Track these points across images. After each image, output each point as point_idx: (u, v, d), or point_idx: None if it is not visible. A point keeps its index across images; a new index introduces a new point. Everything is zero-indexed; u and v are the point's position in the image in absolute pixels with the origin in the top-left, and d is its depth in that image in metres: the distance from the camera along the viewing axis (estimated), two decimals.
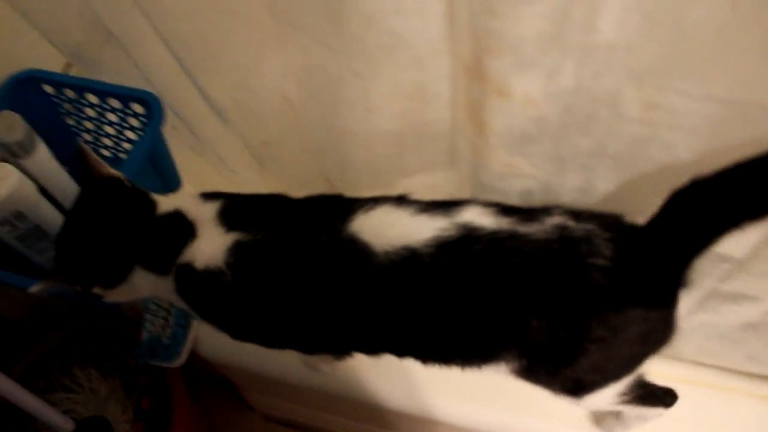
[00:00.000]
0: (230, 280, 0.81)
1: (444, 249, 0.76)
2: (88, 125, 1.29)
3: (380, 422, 1.39)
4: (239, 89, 0.98)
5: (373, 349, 0.91)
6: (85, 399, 1.35)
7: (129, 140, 1.27)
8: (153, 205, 0.89)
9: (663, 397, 0.99)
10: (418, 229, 0.78)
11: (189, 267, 0.83)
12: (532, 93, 0.76)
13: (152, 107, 1.12)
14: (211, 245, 0.83)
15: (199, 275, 0.83)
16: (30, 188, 1.04)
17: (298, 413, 1.56)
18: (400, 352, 0.89)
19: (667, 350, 0.82)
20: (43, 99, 1.25)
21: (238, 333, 0.93)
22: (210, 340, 1.25)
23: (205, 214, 0.86)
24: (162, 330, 1.18)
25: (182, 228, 0.85)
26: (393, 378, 1.21)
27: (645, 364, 0.85)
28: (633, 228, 0.79)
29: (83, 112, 1.26)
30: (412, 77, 0.83)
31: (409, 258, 0.76)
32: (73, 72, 1.38)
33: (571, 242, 0.77)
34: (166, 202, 0.89)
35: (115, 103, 1.19)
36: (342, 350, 0.98)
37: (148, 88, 1.13)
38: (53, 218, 1.08)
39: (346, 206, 0.83)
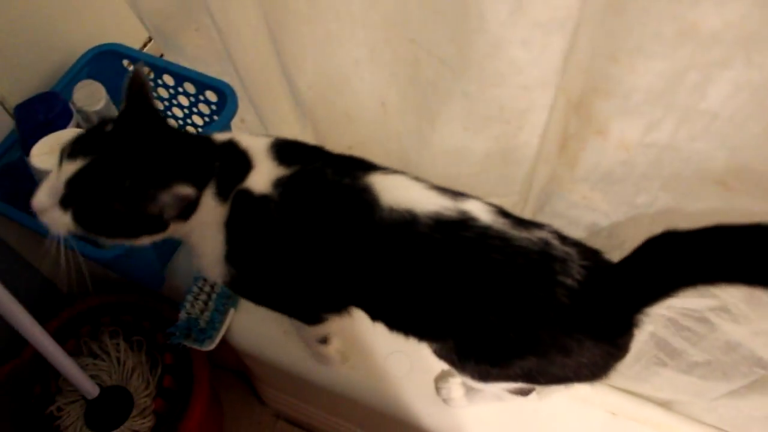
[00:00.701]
0: (274, 210, 0.85)
1: (441, 225, 0.82)
2: (158, 104, 1.32)
3: (371, 425, 1.42)
4: (337, 91, 1.02)
5: (356, 299, 0.95)
6: (110, 368, 1.38)
7: (194, 125, 1.31)
8: (208, 137, 0.92)
9: (526, 391, 1.10)
10: (425, 201, 0.84)
11: (246, 193, 0.85)
12: (628, 138, 0.81)
13: (227, 98, 1.15)
14: (262, 175, 0.87)
15: (253, 202, 0.85)
16: None
17: (310, 414, 1.57)
18: (375, 308, 0.94)
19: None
20: (121, 73, 1.29)
21: (265, 276, 0.93)
22: (241, 328, 1.28)
23: (256, 147, 0.90)
24: (200, 313, 1.20)
25: (240, 157, 0.88)
26: (420, 392, 1.23)
27: (561, 385, 0.93)
28: (606, 264, 0.84)
29: (156, 92, 1.29)
30: (516, 104, 0.88)
31: (409, 222, 0.82)
32: (151, 51, 1.43)
33: (549, 257, 0.82)
34: (218, 136, 0.92)
35: (189, 88, 1.23)
36: (339, 299, 0.98)
37: (232, 81, 1.16)
38: None
39: (372, 165, 0.89)
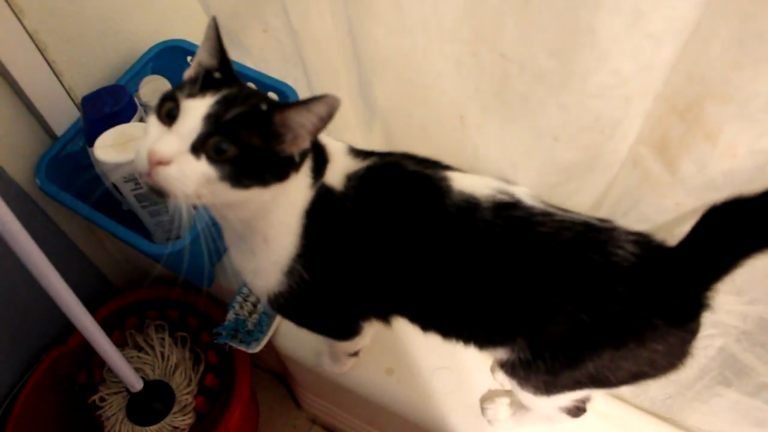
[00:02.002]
0: (351, 203, 0.84)
1: (498, 208, 0.82)
2: None
3: None
4: (415, 103, 1.02)
5: (415, 301, 0.92)
6: (154, 362, 1.38)
7: None
8: None
9: (579, 410, 1.07)
10: (484, 185, 0.85)
11: (328, 186, 0.84)
12: (737, 145, 0.80)
13: (289, 101, 1.15)
14: (339, 169, 0.86)
15: (334, 194, 0.84)
16: None
17: (346, 422, 1.56)
18: (435, 310, 0.91)
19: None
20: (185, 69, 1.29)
21: (330, 277, 0.89)
22: (287, 332, 1.28)
23: (332, 144, 0.88)
24: (248, 315, 1.20)
25: (320, 148, 0.86)
26: (464, 411, 1.20)
27: (634, 384, 0.91)
28: (657, 242, 0.82)
29: None
30: (613, 114, 0.88)
31: (473, 206, 0.82)
32: None
33: (594, 229, 0.82)
34: None
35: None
36: (395, 302, 0.95)
37: (296, 84, 1.16)
38: None
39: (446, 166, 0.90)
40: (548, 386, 0.93)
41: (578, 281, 0.80)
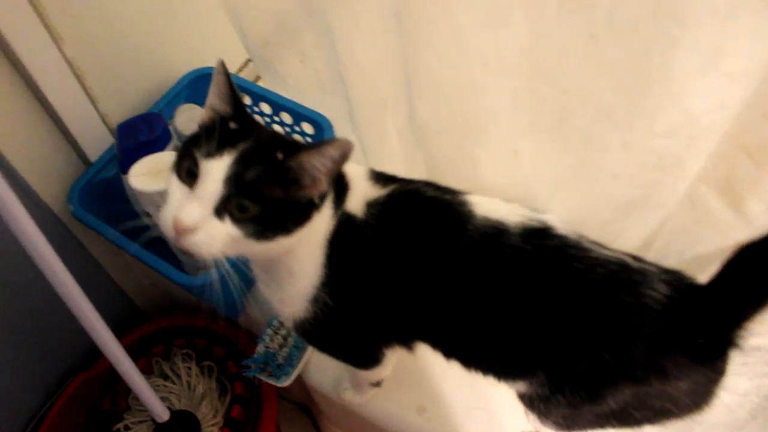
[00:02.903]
0: (371, 230, 0.84)
1: (527, 235, 0.81)
2: None
3: None
4: (467, 136, 1.01)
5: (436, 327, 0.91)
6: (180, 391, 1.36)
7: None
8: None
9: None
10: (511, 212, 0.84)
11: (349, 214, 0.84)
12: None
13: (324, 131, 1.14)
14: (359, 196, 0.85)
15: (355, 222, 0.83)
16: None
17: None
18: (456, 338, 0.90)
19: None
20: None
21: (352, 304, 0.89)
22: (316, 366, 1.26)
23: (353, 170, 0.88)
24: (279, 348, 1.18)
25: (341, 175, 0.85)
26: None
27: (657, 424, 0.87)
28: (691, 281, 0.81)
29: None
30: (678, 153, 0.87)
31: (500, 232, 0.81)
32: (247, 74, 1.43)
33: (628, 269, 0.80)
34: None
35: (286, 118, 1.22)
36: (415, 327, 0.94)
37: (333, 113, 1.15)
38: None
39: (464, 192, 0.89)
40: (569, 422, 0.91)
41: (606, 321, 0.79)
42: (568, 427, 0.92)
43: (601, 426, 0.91)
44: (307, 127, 1.19)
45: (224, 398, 1.37)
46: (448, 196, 0.87)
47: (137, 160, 1.07)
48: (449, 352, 0.92)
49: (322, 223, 0.81)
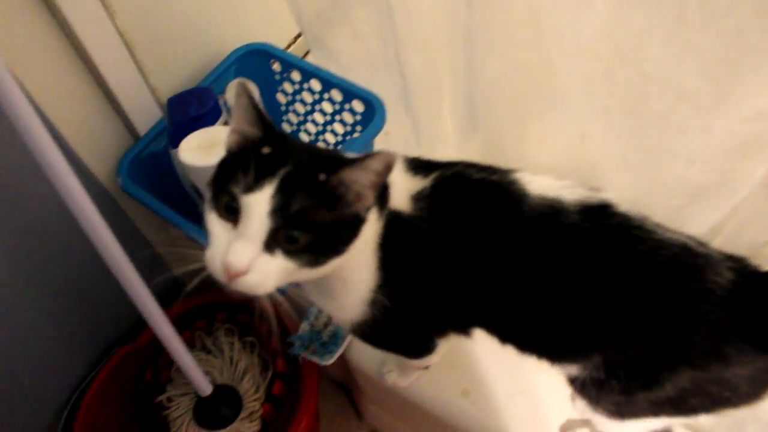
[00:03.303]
0: (421, 221, 0.81)
1: (587, 212, 0.78)
2: (299, 108, 1.31)
3: None
4: (535, 117, 0.99)
5: (493, 313, 0.89)
6: (222, 366, 1.37)
7: (334, 132, 1.28)
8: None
9: None
10: (569, 190, 0.81)
11: (395, 212, 0.81)
12: None
13: (375, 110, 1.12)
14: (401, 189, 0.83)
15: (403, 218, 0.81)
16: None
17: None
18: (513, 322, 0.88)
19: None
20: (267, 74, 1.28)
21: (413, 296, 0.86)
22: (359, 345, 1.25)
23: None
24: (323, 327, 1.18)
25: None
26: (529, 431, 1.16)
27: (714, 413, 0.84)
28: (756, 268, 0.79)
29: (300, 95, 1.28)
30: (762, 137, 0.84)
31: (558, 211, 0.79)
32: (296, 49, 1.41)
33: (691, 253, 0.77)
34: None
35: (336, 96, 1.20)
36: (474, 314, 0.92)
37: (385, 91, 1.13)
38: None
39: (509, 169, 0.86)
40: (621, 408, 0.89)
41: (668, 305, 0.77)
42: (620, 414, 0.90)
43: (655, 413, 0.89)
44: (358, 105, 1.17)
45: (266, 374, 1.38)
46: (495, 177, 0.84)
47: (187, 135, 1.06)
48: (506, 337, 0.91)
49: (369, 229, 0.78)
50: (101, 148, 1.18)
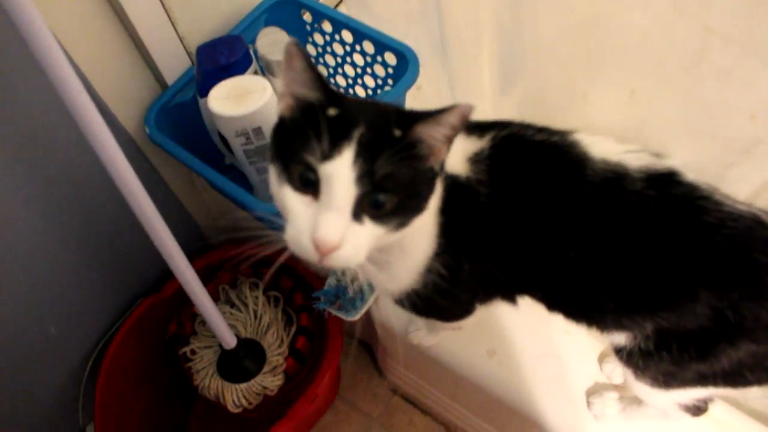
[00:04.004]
0: (484, 190, 0.79)
1: (652, 179, 0.76)
2: (330, 60, 1.28)
3: (510, 430, 1.35)
4: (583, 73, 0.96)
5: (546, 277, 0.86)
6: (246, 320, 1.37)
7: (365, 85, 1.26)
8: None
9: (699, 409, 0.99)
10: (633, 155, 0.78)
11: (452, 176, 0.78)
12: None
13: (408, 63, 1.09)
14: (459, 152, 0.80)
15: (461, 183, 0.79)
16: (276, 108, 1.04)
17: (430, 395, 1.53)
18: (565, 287, 0.85)
19: None
20: (298, 24, 1.25)
21: (469, 264, 0.83)
22: (385, 301, 1.24)
23: None
24: (350, 282, 1.17)
25: None
26: (564, 400, 1.16)
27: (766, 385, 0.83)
28: None
29: (330, 46, 1.25)
30: None
31: (621, 176, 0.76)
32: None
33: (762, 226, 0.75)
34: None
35: (368, 47, 1.17)
36: (524, 281, 0.90)
37: (420, 44, 1.10)
38: None
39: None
40: (668, 379, 0.87)
41: (734, 279, 0.74)
42: (666, 384, 0.88)
43: (703, 385, 0.87)
44: (390, 58, 1.14)
45: (289, 329, 1.37)
46: (555, 138, 0.81)
47: (216, 84, 1.04)
48: (557, 304, 0.88)
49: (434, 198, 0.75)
50: (129, 98, 1.16)
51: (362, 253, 0.63)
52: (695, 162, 0.78)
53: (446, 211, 0.77)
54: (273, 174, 0.67)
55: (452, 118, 0.63)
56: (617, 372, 1.15)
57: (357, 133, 0.62)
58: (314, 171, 0.62)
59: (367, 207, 0.62)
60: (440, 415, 1.62)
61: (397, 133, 0.64)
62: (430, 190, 0.69)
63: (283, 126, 0.69)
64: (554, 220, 0.78)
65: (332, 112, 0.65)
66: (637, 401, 1.05)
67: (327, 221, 0.60)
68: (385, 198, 0.62)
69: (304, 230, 0.62)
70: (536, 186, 0.79)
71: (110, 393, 1.32)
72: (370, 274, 0.85)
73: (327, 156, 0.61)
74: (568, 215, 0.78)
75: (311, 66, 0.65)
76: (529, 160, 0.81)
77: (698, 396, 0.94)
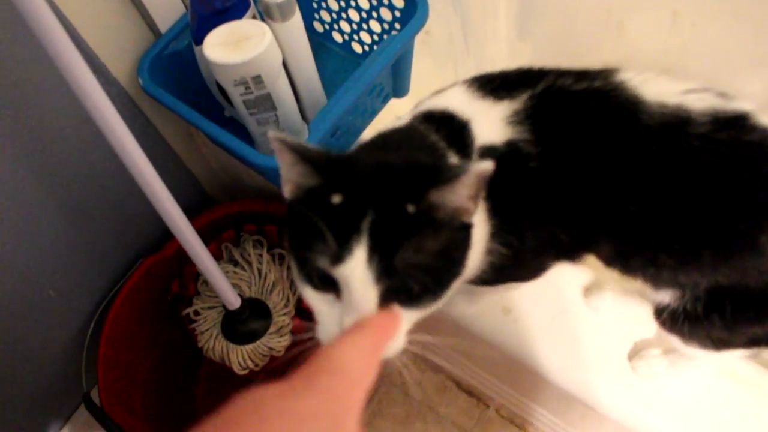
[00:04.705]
0: (525, 147, 0.72)
1: (720, 124, 0.68)
2: (333, 4, 1.21)
3: (522, 387, 1.33)
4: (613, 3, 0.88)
5: (606, 235, 0.79)
6: (251, 279, 1.32)
7: (371, 31, 1.19)
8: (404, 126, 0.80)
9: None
10: (695, 96, 0.70)
11: (488, 148, 0.73)
12: None
13: (417, 6, 1.02)
14: (488, 120, 0.75)
15: (499, 154, 0.73)
16: (276, 55, 0.97)
17: (437, 351, 1.49)
18: (623, 244, 0.78)
19: None
20: None
21: (530, 234, 0.78)
22: None
23: (452, 99, 0.78)
24: None
25: (448, 120, 0.76)
26: (561, 349, 1.13)
27: None
28: None
29: None
30: None
31: (683, 121, 0.69)
32: None
33: None
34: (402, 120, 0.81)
35: None
36: (588, 239, 0.83)
37: None
38: (285, 92, 1.02)
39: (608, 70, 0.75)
40: (718, 343, 0.82)
41: None
42: (716, 347, 0.83)
43: (757, 345, 0.82)
44: (397, 0, 1.07)
45: (295, 287, 1.33)
46: (598, 83, 0.73)
47: (212, 30, 0.98)
48: (616, 259, 0.82)
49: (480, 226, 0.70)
50: (120, 47, 1.10)
51: (402, 341, 0.58)
52: (749, 91, 0.71)
53: (493, 189, 0.68)
54: (293, 268, 0.61)
55: (469, 180, 0.55)
56: (605, 304, 1.11)
57: (366, 224, 0.54)
58: (328, 273, 0.56)
59: (394, 297, 0.56)
60: (452, 373, 1.59)
61: (411, 209, 0.56)
62: (465, 249, 0.63)
63: (292, 214, 0.63)
64: (612, 174, 0.72)
65: (336, 199, 0.57)
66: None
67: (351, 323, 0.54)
68: (412, 284, 0.56)
69: (333, 333, 0.57)
70: (589, 140, 0.72)
71: (113, 356, 1.28)
72: None
73: (338, 259, 0.54)
74: (626, 167, 0.71)
75: (302, 158, 0.59)
76: (576, 114, 0.73)
77: (745, 353, 0.89)
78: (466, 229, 0.62)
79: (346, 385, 0.42)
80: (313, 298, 0.59)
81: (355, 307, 0.54)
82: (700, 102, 0.69)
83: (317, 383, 0.41)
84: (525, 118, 0.73)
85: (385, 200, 0.56)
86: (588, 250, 0.83)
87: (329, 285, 0.57)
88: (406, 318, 0.58)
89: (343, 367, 0.43)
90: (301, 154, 0.58)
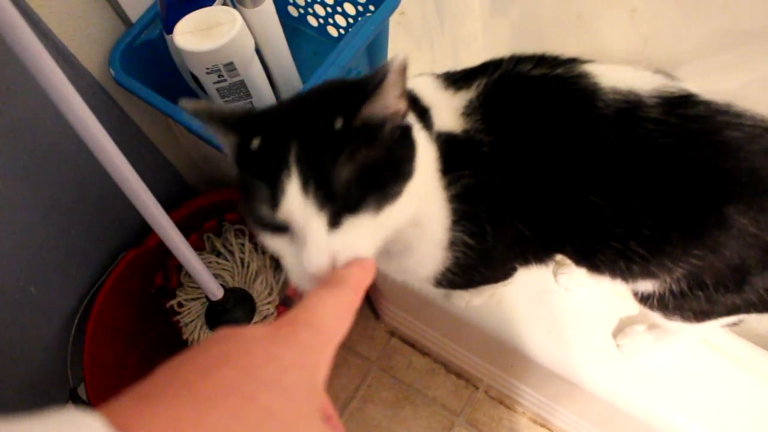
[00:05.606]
0: (487, 140, 0.72)
1: (668, 104, 0.69)
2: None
3: (509, 368, 1.33)
4: None
5: (569, 229, 0.78)
6: (233, 269, 1.32)
7: (345, 13, 1.17)
8: None
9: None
10: (643, 80, 0.71)
11: (446, 134, 0.72)
12: None
13: None
14: (446, 109, 0.74)
15: (459, 139, 0.72)
16: (248, 41, 0.96)
17: (427, 336, 1.49)
18: (587, 236, 0.78)
19: None
20: None
21: (493, 224, 0.76)
22: None
23: (424, 86, 0.77)
24: None
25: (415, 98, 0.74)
26: (546, 329, 1.13)
27: None
28: None
29: None
30: None
31: (635, 105, 0.69)
32: None
33: None
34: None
35: None
36: (556, 234, 0.82)
37: None
38: (259, 78, 1.01)
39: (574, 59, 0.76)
40: (700, 315, 0.82)
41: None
42: (698, 319, 0.83)
43: (736, 313, 0.82)
44: None
45: (279, 276, 1.32)
46: (559, 70, 0.72)
47: (182, 17, 0.96)
48: (582, 256, 0.81)
49: (425, 153, 0.67)
50: (90, 38, 1.07)
51: (365, 246, 0.55)
52: (702, 80, 0.71)
53: (449, 174, 0.69)
54: (252, 226, 0.60)
55: (393, 80, 0.54)
56: (575, 281, 1.11)
57: (292, 157, 0.54)
58: (273, 218, 0.55)
59: (343, 214, 0.54)
60: (440, 356, 1.59)
61: (339, 124, 0.55)
62: (408, 147, 0.61)
63: (236, 179, 0.62)
64: (568, 163, 0.71)
65: (255, 143, 0.57)
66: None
67: (310, 257, 0.53)
68: (358, 196, 0.55)
69: (299, 270, 0.55)
70: (542, 126, 0.71)
71: (99, 351, 1.27)
72: (398, 268, 0.80)
73: (274, 202, 0.54)
74: (583, 155, 0.70)
75: (211, 118, 0.59)
76: (530, 99, 0.73)
77: (731, 321, 0.88)
78: (406, 131, 0.62)
79: (323, 340, 0.43)
80: (272, 242, 0.58)
81: (307, 237, 0.53)
82: (647, 84, 0.70)
83: (300, 334, 0.42)
84: (476, 107, 0.72)
85: (308, 127, 0.56)
86: (555, 248, 0.83)
87: (281, 229, 0.56)
88: (362, 225, 0.55)
89: (322, 322, 0.44)
90: (209, 115, 0.59)
